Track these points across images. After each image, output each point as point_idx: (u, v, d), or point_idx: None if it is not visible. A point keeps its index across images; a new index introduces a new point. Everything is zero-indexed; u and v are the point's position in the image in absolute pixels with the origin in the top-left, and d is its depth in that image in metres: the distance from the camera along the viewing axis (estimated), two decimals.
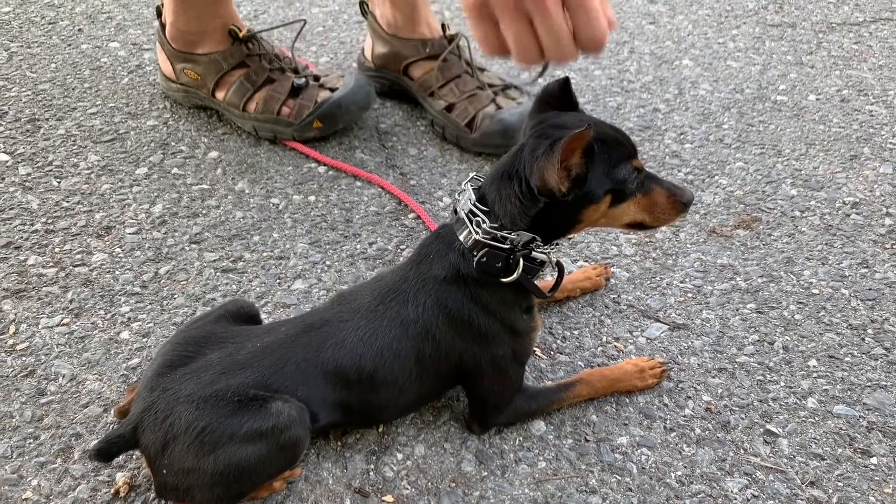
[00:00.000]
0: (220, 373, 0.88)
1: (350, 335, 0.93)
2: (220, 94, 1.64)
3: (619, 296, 1.28)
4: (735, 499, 0.96)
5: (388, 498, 0.95)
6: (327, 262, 1.33)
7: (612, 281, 1.30)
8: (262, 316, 1.10)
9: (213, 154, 1.58)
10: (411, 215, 1.44)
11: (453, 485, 0.97)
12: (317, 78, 1.64)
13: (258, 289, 1.26)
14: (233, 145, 1.61)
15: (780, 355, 1.17)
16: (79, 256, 1.30)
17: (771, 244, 1.40)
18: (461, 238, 0.93)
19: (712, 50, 2.09)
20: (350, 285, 1.26)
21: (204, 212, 1.42)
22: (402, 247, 1.37)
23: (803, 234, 1.42)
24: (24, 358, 1.11)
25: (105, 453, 0.87)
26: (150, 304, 1.22)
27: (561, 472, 0.99)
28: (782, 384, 1.12)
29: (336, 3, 2.29)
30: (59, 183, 1.47)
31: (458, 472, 0.99)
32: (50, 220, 1.38)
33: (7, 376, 1.08)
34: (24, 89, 1.75)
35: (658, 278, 1.32)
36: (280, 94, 1.58)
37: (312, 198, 1.48)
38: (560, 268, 0.99)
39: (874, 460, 1.02)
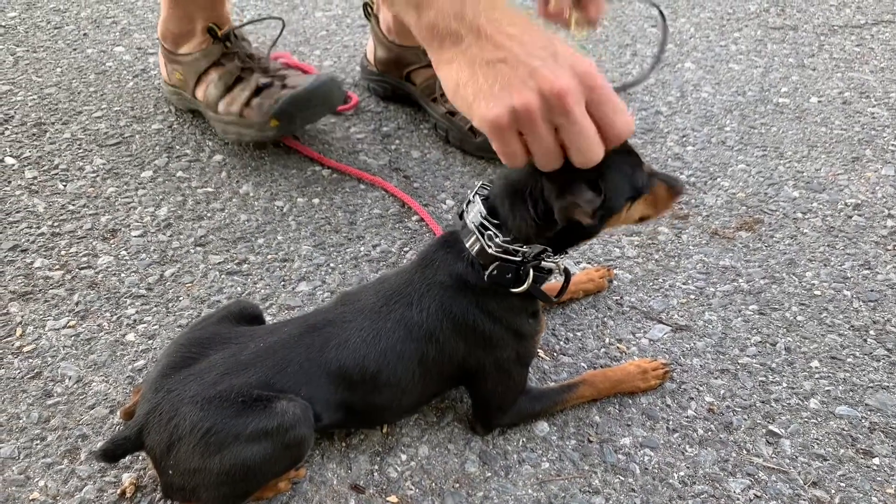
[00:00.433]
0: (223, 373, 0.89)
1: (353, 336, 0.93)
2: (199, 94, 1.60)
3: (621, 297, 1.28)
4: (738, 499, 0.97)
5: (393, 498, 0.95)
6: (331, 265, 1.33)
7: (615, 283, 1.31)
8: (267, 318, 1.11)
9: (218, 157, 1.59)
10: (415, 218, 1.45)
11: (457, 485, 0.98)
12: (282, 78, 1.55)
13: (263, 291, 1.27)
14: (237, 148, 1.62)
15: (783, 356, 1.18)
16: (85, 259, 1.31)
17: (773, 246, 1.40)
18: (468, 246, 0.92)
19: (714, 53, 2.10)
20: (353, 287, 1.27)
21: (209, 214, 1.43)
22: (405, 249, 1.38)
23: (805, 235, 1.43)
24: (30, 360, 1.12)
25: (111, 454, 0.87)
26: (155, 306, 1.22)
27: (564, 473, 1.00)
28: (784, 385, 1.13)
29: (339, 7, 2.30)
30: (64, 186, 1.48)
31: (462, 472, 0.99)
32: (56, 223, 1.39)
33: (14, 378, 1.09)
34: (30, 93, 1.76)
35: (661, 280, 1.32)
36: (245, 93, 1.52)
37: (316, 200, 1.49)
38: (567, 273, 0.98)
39: (876, 461, 1.02)
